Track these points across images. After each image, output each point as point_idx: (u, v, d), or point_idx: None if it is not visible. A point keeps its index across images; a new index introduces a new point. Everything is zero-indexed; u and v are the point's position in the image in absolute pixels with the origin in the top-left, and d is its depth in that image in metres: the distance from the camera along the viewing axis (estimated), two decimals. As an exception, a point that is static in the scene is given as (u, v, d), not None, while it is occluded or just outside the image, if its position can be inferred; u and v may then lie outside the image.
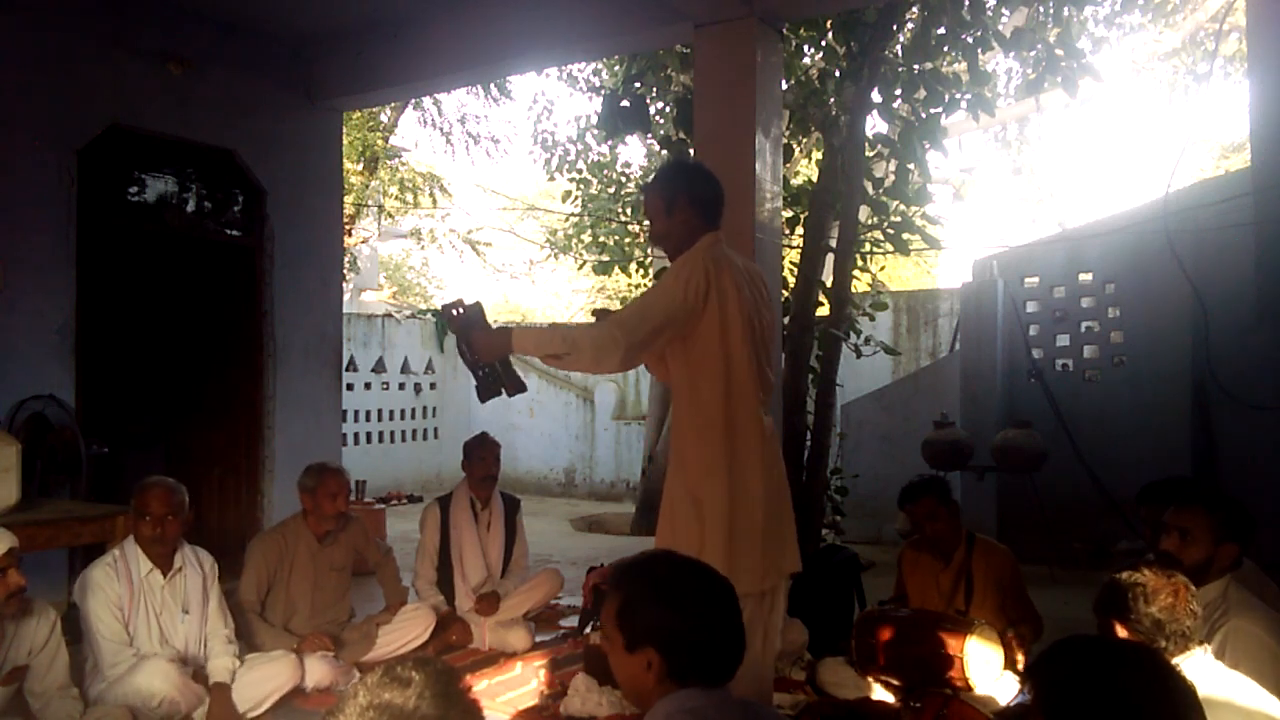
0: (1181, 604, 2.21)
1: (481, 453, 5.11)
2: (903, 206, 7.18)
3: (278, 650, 3.97)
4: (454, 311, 2.83)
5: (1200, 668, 2.22)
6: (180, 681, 3.45)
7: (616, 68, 9.84)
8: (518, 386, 2.90)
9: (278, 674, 3.81)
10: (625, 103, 6.44)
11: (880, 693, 3.86)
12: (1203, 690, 2.15)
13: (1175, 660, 2.23)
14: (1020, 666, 3.61)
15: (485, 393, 2.89)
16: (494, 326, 2.84)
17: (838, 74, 6.50)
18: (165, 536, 3.61)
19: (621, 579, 1.88)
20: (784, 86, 5.77)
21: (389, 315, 12.72)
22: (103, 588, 3.50)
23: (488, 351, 2.80)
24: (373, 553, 4.80)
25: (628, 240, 11.78)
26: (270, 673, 3.79)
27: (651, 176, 3.34)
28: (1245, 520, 2.86)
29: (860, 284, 8.91)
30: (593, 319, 2.94)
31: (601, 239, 12.48)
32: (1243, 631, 2.52)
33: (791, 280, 6.45)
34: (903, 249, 7.44)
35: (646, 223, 3.10)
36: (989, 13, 6.96)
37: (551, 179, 13.02)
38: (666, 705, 1.76)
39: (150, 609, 3.61)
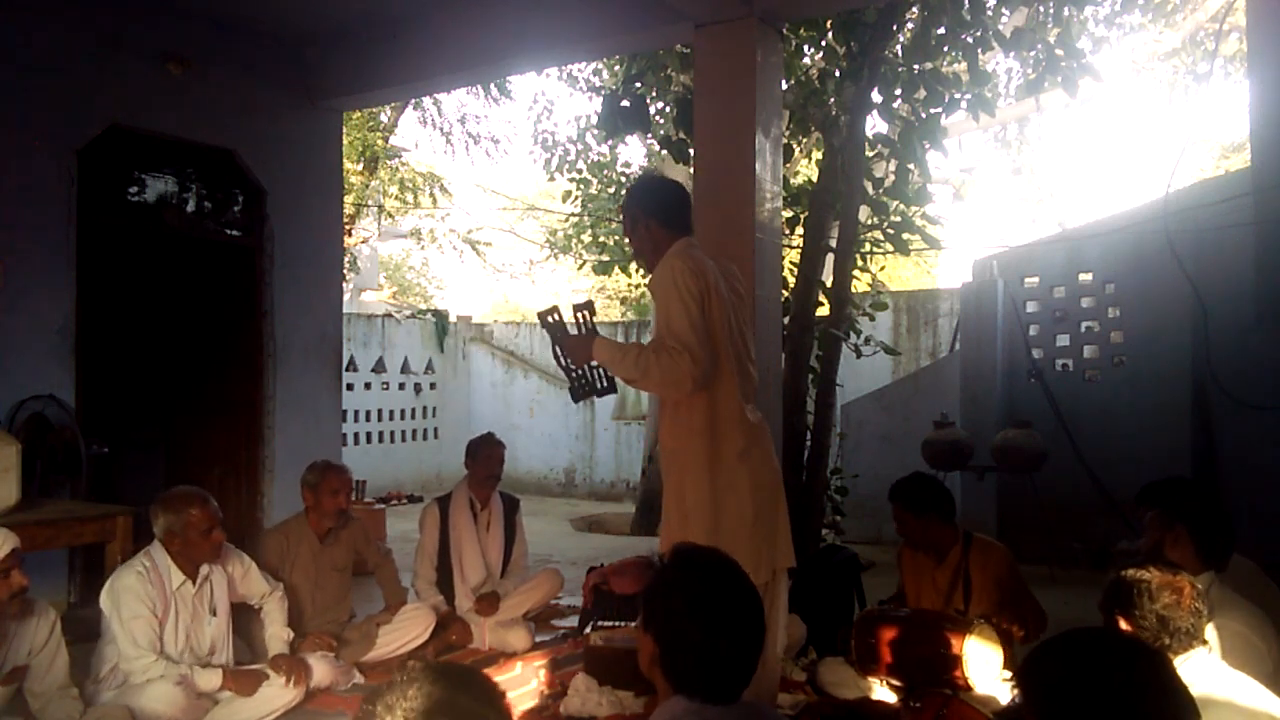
0: (1185, 602, 2.23)
1: (488, 452, 5.11)
2: (903, 206, 7.18)
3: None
4: (549, 319, 3.04)
5: (1202, 667, 2.23)
6: (184, 703, 3.43)
7: (616, 68, 9.84)
8: (610, 387, 3.10)
9: (282, 693, 3.80)
10: (625, 103, 6.44)
11: (880, 693, 3.86)
12: (1204, 690, 2.16)
13: (1178, 659, 2.24)
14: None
15: (578, 393, 3.10)
16: (583, 332, 3.01)
17: (838, 74, 6.50)
18: (221, 545, 3.71)
19: (669, 562, 1.88)
20: (784, 86, 5.77)
21: (389, 315, 12.73)
22: (137, 592, 3.48)
23: (575, 355, 2.98)
24: (372, 554, 4.80)
25: (627, 240, 11.79)
26: (274, 693, 3.78)
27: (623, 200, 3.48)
28: (1194, 504, 2.92)
29: (860, 284, 8.91)
30: (576, 314, 3.06)
31: (601, 239, 12.50)
32: (1228, 630, 2.53)
33: (791, 280, 6.45)
34: (903, 249, 7.45)
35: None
36: (989, 13, 6.97)
37: (551, 179, 13.03)
38: (673, 708, 1.76)
39: (180, 619, 3.61)
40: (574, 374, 3.05)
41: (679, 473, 2.91)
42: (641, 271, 11.91)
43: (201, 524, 3.58)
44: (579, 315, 3.06)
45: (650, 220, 3.01)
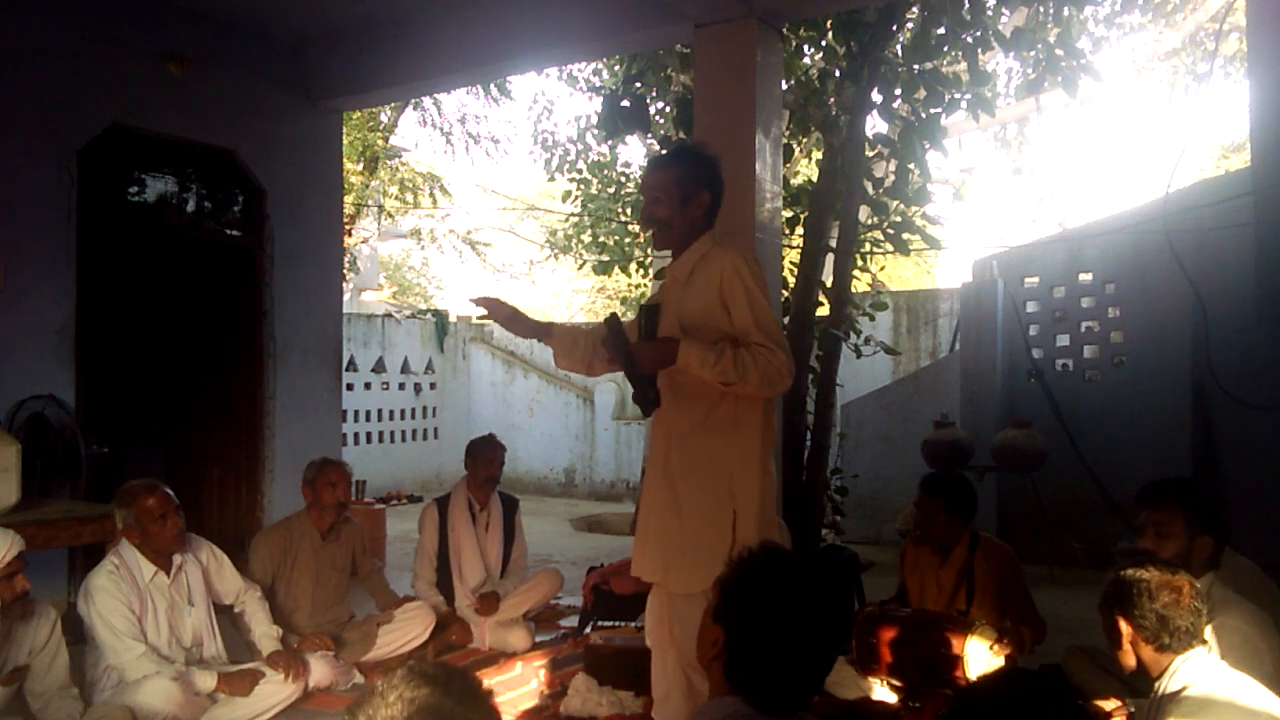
0: (1185, 602, 2.23)
1: (489, 454, 5.11)
2: (903, 206, 7.18)
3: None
4: (614, 325, 2.69)
5: (1202, 666, 2.23)
6: (182, 699, 3.44)
7: (616, 68, 9.83)
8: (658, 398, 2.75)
9: (280, 689, 3.81)
10: (625, 103, 6.44)
11: (880, 692, 3.86)
12: (1204, 689, 2.17)
13: (1177, 659, 2.24)
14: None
15: (649, 406, 2.71)
16: (654, 339, 2.69)
17: (838, 74, 6.50)
18: (181, 531, 3.67)
19: (758, 556, 1.75)
20: (784, 86, 5.77)
21: (389, 315, 12.73)
22: (109, 591, 3.49)
23: (651, 363, 2.65)
24: (365, 563, 4.79)
25: (628, 240, 11.78)
26: (273, 689, 3.78)
27: (669, 155, 3.00)
28: (1219, 512, 2.88)
29: (860, 284, 8.91)
30: (607, 327, 2.73)
31: (601, 239, 12.48)
32: (1228, 629, 2.54)
33: (791, 280, 6.45)
34: (903, 249, 7.44)
35: (649, 194, 2.82)
36: (989, 13, 6.96)
37: (551, 179, 13.02)
38: (726, 706, 1.69)
39: (159, 611, 3.62)
40: (642, 384, 2.69)
41: (723, 471, 2.71)
42: (643, 269, 11.91)
43: (155, 510, 3.57)
44: (641, 320, 2.73)
45: (709, 204, 2.79)
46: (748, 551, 1.77)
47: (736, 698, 1.68)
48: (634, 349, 2.63)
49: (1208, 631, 2.52)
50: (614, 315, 2.68)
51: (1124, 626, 2.29)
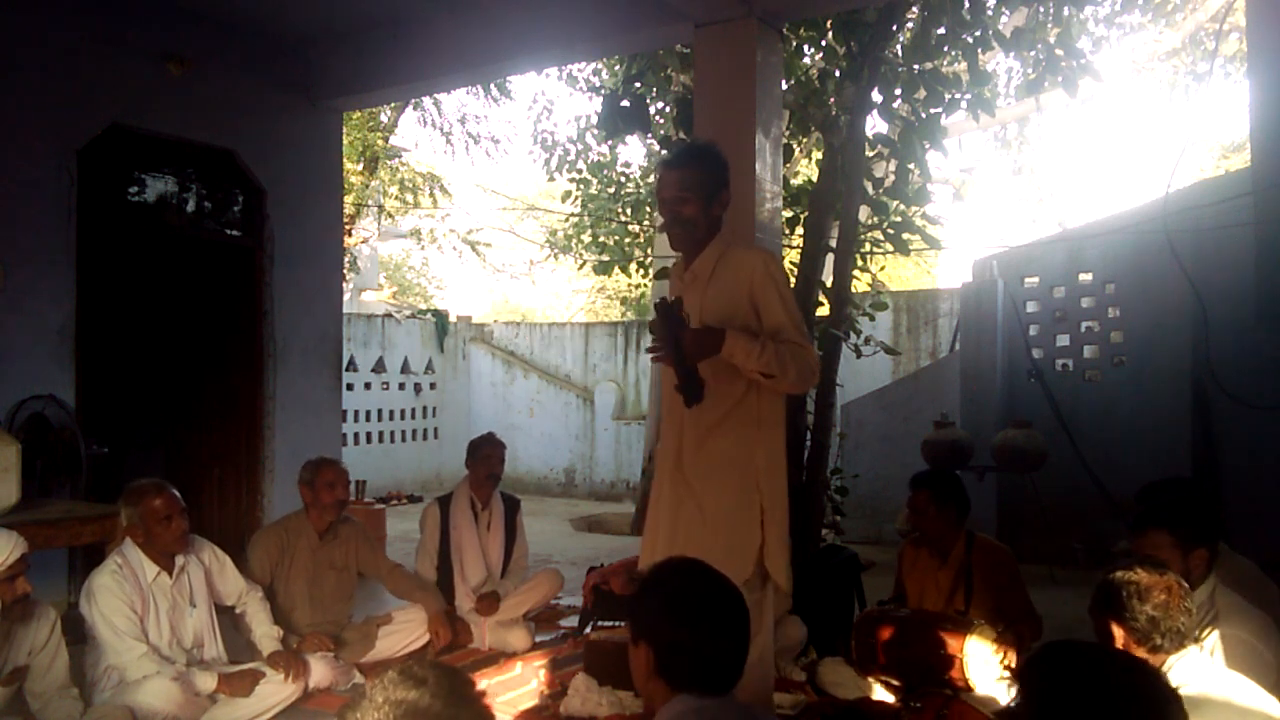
0: (1175, 602, 2.22)
1: (488, 451, 5.12)
2: (903, 206, 7.17)
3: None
4: (670, 312, 2.63)
5: (1196, 666, 2.23)
6: (182, 699, 3.44)
7: (616, 68, 9.84)
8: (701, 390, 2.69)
9: (280, 689, 3.81)
10: (625, 103, 6.44)
11: (880, 693, 3.86)
12: (1199, 689, 2.17)
13: (1171, 659, 2.24)
14: (1014, 666, 3.61)
15: (692, 396, 2.64)
16: (702, 328, 2.64)
17: (838, 74, 6.50)
18: (184, 533, 3.67)
19: (644, 579, 1.97)
20: (784, 86, 5.77)
21: (389, 315, 12.73)
22: (112, 591, 3.49)
23: (698, 351, 2.59)
24: (381, 565, 4.74)
25: (628, 240, 11.78)
26: (273, 689, 3.79)
27: (692, 154, 2.90)
28: (1208, 519, 2.84)
29: (860, 284, 8.90)
30: (658, 311, 2.65)
31: (601, 239, 12.48)
32: (1232, 639, 2.52)
33: (792, 280, 6.43)
34: (903, 249, 7.43)
35: (674, 194, 2.77)
36: (989, 13, 6.95)
37: (551, 179, 13.01)
38: (675, 708, 1.80)
39: (161, 612, 3.62)
40: (689, 373, 2.62)
41: (750, 467, 2.69)
42: (644, 269, 11.91)
43: (161, 512, 3.57)
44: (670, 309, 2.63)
45: (727, 202, 2.83)
46: (641, 573, 2.02)
47: (680, 696, 1.81)
48: (683, 336, 2.59)
49: (1213, 639, 2.52)
50: (664, 300, 2.64)
51: (1116, 630, 2.27)
